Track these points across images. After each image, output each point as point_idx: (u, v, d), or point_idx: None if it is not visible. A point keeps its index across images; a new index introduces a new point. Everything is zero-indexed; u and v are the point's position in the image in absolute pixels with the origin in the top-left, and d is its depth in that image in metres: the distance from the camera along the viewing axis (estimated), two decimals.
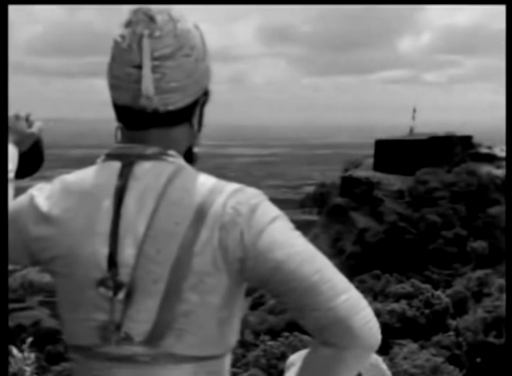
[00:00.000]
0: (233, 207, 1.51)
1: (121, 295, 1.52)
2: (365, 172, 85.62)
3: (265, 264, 1.49)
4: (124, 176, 1.57)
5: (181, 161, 1.61)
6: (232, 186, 1.56)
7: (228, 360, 1.65)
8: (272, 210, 1.55)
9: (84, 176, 1.62)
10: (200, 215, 1.51)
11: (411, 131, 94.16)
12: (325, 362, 1.50)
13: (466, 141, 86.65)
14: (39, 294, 76.49)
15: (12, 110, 1.96)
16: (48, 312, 68.69)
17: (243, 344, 40.12)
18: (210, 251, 1.50)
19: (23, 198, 1.68)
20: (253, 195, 1.55)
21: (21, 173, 1.97)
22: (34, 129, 2.00)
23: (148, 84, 1.54)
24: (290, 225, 1.55)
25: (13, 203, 1.70)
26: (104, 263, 1.53)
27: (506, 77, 3.54)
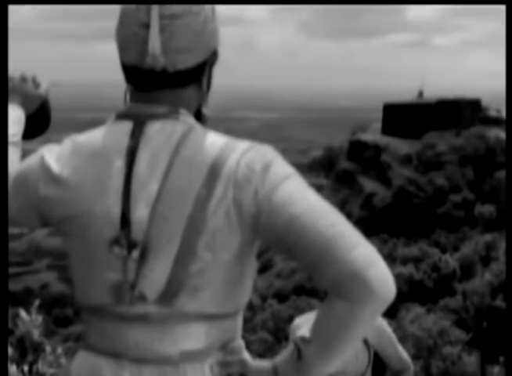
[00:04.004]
0: (247, 164, 1.51)
1: (135, 254, 1.52)
2: (372, 136, 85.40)
3: (280, 219, 1.48)
4: (136, 136, 1.56)
5: (192, 120, 1.60)
6: (244, 144, 1.55)
7: (240, 320, 1.65)
8: (286, 167, 1.55)
9: (94, 137, 1.61)
10: (214, 173, 1.51)
11: (420, 94, 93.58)
12: (340, 317, 1.47)
13: (474, 104, 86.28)
14: (47, 257, 77.06)
15: (19, 72, 1.95)
16: (56, 276, 69.24)
17: (250, 307, 40.34)
18: (224, 208, 1.50)
19: (32, 159, 1.66)
20: (266, 152, 1.55)
21: (28, 135, 1.95)
22: (41, 90, 1.97)
23: (155, 42, 1.54)
24: (303, 182, 1.54)
25: (22, 164, 1.69)
26: (117, 223, 1.53)
27: (506, 77, 3.65)
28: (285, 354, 1.61)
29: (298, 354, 1.55)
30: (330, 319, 1.49)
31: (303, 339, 1.55)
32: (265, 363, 1.63)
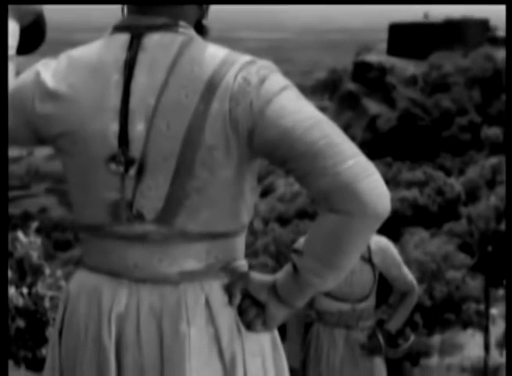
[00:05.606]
0: (244, 77, 1.49)
1: (132, 171, 1.51)
2: (377, 57, 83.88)
3: (274, 131, 1.47)
4: (133, 48, 1.54)
5: (191, 32, 1.57)
6: (244, 58, 1.53)
7: (241, 241, 1.63)
8: (282, 80, 1.52)
9: (91, 51, 1.59)
10: (211, 87, 1.48)
11: (425, 16, 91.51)
12: (331, 230, 1.46)
13: (483, 24, 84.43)
14: (46, 181, 76.69)
15: None
16: (55, 200, 69.01)
17: (252, 232, 39.98)
18: (220, 123, 1.48)
19: (27, 74, 1.63)
20: (263, 66, 1.52)
21: (22, 49, 1.87)
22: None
23: None
24: (299, 95, 1.52)
25: (17, 80, 1.66)
26: (114, 139, 1.51)
27: (506, 76, 3.71)
28: (284, 269, 1.57)
29: (294, 267, 1.53)
30: (322, 232, 1.48)
31: (297, 251, 1.53)
32: (266, 277, 1.59)
